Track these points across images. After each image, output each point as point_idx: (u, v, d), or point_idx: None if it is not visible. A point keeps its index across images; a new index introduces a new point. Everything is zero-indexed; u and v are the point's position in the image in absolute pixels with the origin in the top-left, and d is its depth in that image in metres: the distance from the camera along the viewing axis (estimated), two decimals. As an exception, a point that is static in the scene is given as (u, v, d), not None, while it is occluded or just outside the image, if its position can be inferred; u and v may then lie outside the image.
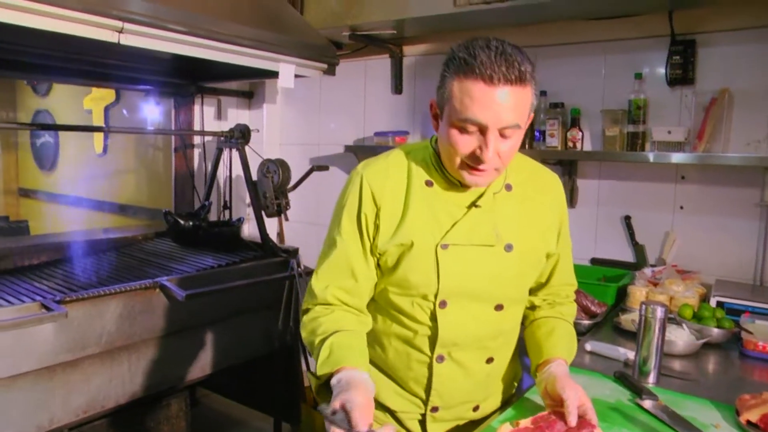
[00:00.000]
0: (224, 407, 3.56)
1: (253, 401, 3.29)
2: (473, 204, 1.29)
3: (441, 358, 1.32)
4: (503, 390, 1.49)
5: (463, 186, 1.27)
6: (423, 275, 1.26)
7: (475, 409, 1.43)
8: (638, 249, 2.52)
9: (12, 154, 5.63)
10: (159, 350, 2.39)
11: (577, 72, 2.63)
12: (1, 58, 2.60)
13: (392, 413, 1.41)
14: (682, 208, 2.45)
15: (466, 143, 1.16)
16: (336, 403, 1.06)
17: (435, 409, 1.38)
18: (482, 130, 1.14)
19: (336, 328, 1.24)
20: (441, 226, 1.27)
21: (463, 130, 1.15)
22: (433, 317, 1.29)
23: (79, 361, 2.15)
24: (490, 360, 1.38)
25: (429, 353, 1.33)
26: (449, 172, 1.26)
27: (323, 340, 1.21)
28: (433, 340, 1.31)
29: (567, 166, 2.64)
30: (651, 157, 2.31)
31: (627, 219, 2.54)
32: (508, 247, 1.29)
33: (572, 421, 1.16)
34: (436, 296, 1.27)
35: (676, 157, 2.27)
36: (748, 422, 1.29)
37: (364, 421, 1.02)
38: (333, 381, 1.14)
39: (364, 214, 1.28)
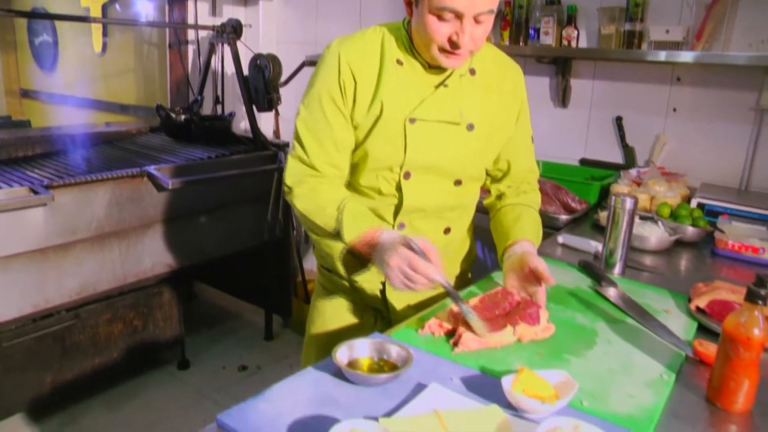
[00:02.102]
0: (219, 300, 3.71)
1: (246, 295, 3.41)
2: (441, 84, 1.33)
3: (402, 226, 1.39)
4: (460, 263, 1.56)
5: (431, 67, 1.32)
6: (391, 147, 1.32)
7: None
8: (628, 151, 2.50)
9: (11, 53, 5.57)
10: (149, 238, 2.46)
11: (577, -34, 2.51)
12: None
13: (353, 284, 1.45)
14: (675, 110, 2.40)
15: (443, 30, 1.19)
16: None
17: None
18: (458, 17, 1.17)
19: (343, 195, 1.32)
20: (410, 102, 1.31)
21: (440, 18, 1.18)
22: (398, 188, 1.36)
23: (70, 245, 2.22)
24: (447, 230, 1.46)
25: (391, 221, 1.40)
26: (424, 56, 1.29)
27: (341, 208, 1.28)
28: (397, 209, 1.38)
29: (561, 64, 2.57)
30: (646, 55, 2.24)
31: (618, 120, 2.50)
32: (470, 127, 1.34)
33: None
34: (401, 167, 1.33)
35: (673, 56, 2.19)
36: (697, 308, 1.32)
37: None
38: (383, 237, 1.23)
39: (343, 88, 1.30)
